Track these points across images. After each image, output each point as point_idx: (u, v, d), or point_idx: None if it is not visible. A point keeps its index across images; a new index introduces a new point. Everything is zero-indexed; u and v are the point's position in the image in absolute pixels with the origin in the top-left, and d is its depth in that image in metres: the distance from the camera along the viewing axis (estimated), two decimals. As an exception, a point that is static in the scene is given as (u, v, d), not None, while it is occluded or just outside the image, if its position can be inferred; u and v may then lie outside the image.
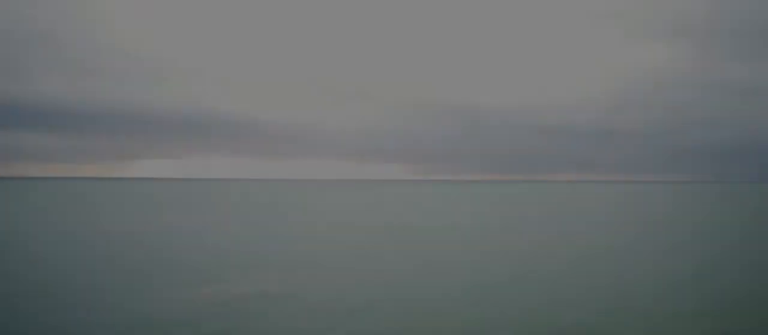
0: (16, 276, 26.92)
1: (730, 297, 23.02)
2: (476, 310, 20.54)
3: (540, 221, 63.41)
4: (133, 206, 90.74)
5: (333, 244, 40.83)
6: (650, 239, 45.37)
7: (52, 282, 25.38)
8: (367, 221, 63.11)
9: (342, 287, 24.80)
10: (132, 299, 22.13)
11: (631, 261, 33.19)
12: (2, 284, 25.06)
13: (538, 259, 33.63)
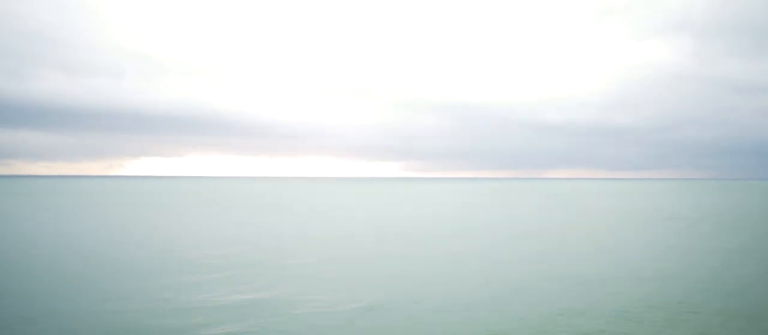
0: (21, 275, 26.87)
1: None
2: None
3: (561, 218, 63.48)
4: (135, 205, 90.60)
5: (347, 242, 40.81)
6: (654, 235, 45.43)
7: (48, 282, 25.34)
8: (378, 222, 63.07)
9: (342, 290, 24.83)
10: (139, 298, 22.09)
11: (631, 254, 33.30)
12: (10, 283, 25.03)
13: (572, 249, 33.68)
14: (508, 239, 43.14)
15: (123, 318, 19.00)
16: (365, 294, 23.17)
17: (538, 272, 28.53)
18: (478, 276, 27.43)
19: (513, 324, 18.47)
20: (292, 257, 33.55)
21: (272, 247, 37.99)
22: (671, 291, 23.82)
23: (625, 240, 42.86)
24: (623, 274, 27.98)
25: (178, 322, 18.48)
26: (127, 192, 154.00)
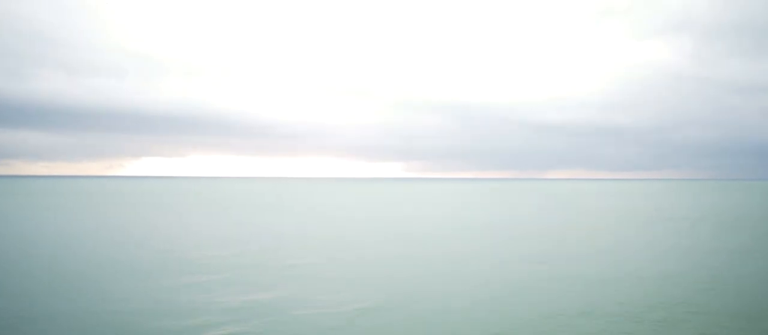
0: (22, 274, 26.87)
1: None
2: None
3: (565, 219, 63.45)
4: (135, 205, 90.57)
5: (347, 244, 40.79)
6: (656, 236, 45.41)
7: (45, 283, 25.33)
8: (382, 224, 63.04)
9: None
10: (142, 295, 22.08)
11: (628, 255, 33.29)
12: (17, 282, 25.03)
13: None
14: (508, 240, 43.13)
15: (123, 318, 18.99)
16: (366, 294, 23.17)
17: (538, 272, 28.52)
18: (479, 276, 27.42)
19: (513, 325, 18.47)
20: (292, 257, 33.55)
21: (272, 247, 37.99)
22: (671, 291, 23.81)
23: (625, 241, 42.85)
24: (623, 274, 27.97)
25: (178, 323, 18.47)
26: (127, 192, 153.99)
